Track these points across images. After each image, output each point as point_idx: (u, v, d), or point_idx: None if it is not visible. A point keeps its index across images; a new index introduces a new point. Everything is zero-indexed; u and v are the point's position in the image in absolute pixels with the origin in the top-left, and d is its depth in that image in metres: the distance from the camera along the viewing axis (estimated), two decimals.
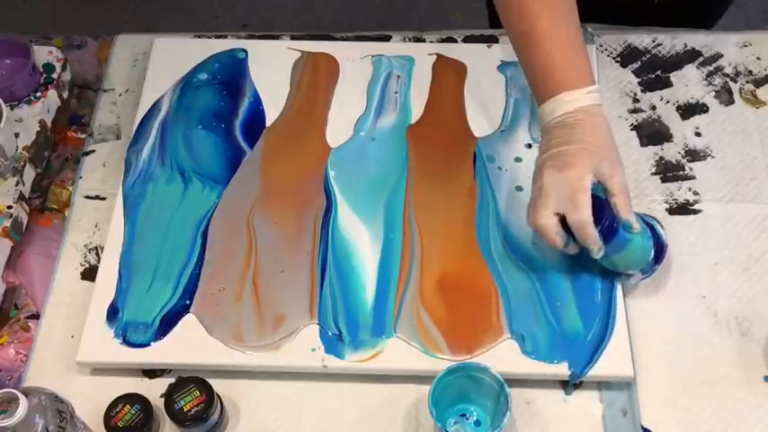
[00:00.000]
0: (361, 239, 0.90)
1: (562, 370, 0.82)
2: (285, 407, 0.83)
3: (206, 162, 0.97)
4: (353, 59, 1.06)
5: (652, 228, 0.85)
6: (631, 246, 0.82)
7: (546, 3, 0.84)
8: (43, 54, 1.03)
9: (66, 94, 1.04)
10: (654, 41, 1.08)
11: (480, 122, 1.00)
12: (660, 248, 0.85)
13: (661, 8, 1.11)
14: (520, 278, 0.87)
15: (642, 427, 0.81)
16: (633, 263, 0.84)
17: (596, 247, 0.81)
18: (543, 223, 0.81)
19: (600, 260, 0.83)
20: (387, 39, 1.10)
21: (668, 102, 1.03)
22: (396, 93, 1.03)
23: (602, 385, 0.83)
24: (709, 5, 1.18)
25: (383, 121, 1.00)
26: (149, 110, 1.01)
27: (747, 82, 1.04)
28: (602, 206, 0.81)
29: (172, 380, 0.80)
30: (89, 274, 0.91)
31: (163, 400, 0.80)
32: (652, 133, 1.00)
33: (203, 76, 1.05)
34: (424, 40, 1.10)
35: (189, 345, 0.84)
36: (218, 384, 0.80)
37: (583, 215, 0.79)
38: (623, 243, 0.81)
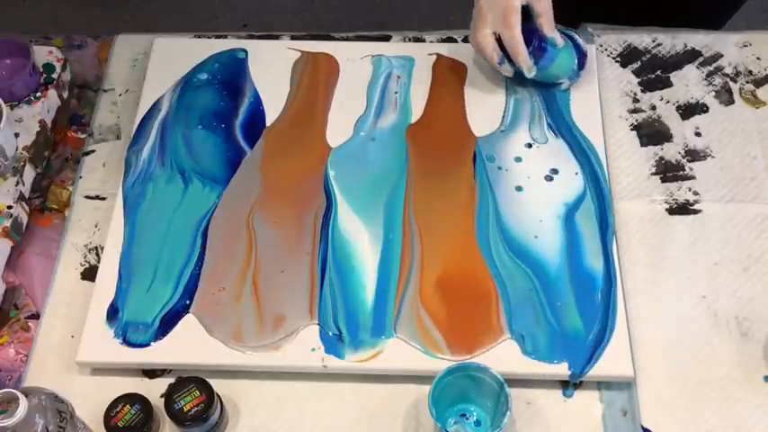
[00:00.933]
0: (361, 239, 0.90)
1: (562, 370, 0.82)
2: (285, 407, 0.83)
3: (206, 162, 0.97)
4: (353, 59, 1.06)
5: (572, 39, 0.99)
6: (558, 59, 0.97)
7: None
8: (43, 54, 1.03)
9: (66, 94, 1.04)
10: (654, 41, 1.08)
11: (480, 122, 1.00)
12: (582, 55, 0.99)
13: (668, 8, 1.11)
14: (520, 278, 0.87)
15: (642, 427, 0.81)
16: (562, 73, 0.99)
17: (526, 66, 0.96)
18: (481, 41, 0.96)
19: (533, 76, 0.97)
20: (387, 39, 1.10)
21: (668, 102, 1.03)
22: (396, 93, 1.03)
23: (602, 385, 0.83)
24: (719, 7, 1.18)
25: (383, 121, 1.00)
26: (149, 110, 1.01)
27: (747, 82, 1.04)
28: (530, 31, 0.95)
29: (172, 380, 0.80)
30: (89, 274, 0.91)
31: (163, 400, 0.80)
32: (652, 133, 1.00)
33: (203, 76, 1.05)
34: (424, 40, 1.10)
35: (189, 345, 0.84)
36: (218, 384, 0.80)
37: (514, 33, 0.93)
38: (552, 58, 0.97)
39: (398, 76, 1.04)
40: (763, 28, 1.10)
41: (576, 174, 0.95)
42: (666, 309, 0.88)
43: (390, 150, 0.98)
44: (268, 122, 1.00)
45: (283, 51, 1.07)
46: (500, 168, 0.96)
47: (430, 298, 0.86)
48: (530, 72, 0.96)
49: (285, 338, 0.84)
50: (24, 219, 0.93)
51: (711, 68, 1.05)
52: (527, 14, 0.95)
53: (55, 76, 1.02)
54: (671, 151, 0.99)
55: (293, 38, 1.10)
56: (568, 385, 0.83)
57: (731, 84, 1.04)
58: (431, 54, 1.06)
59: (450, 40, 1.10)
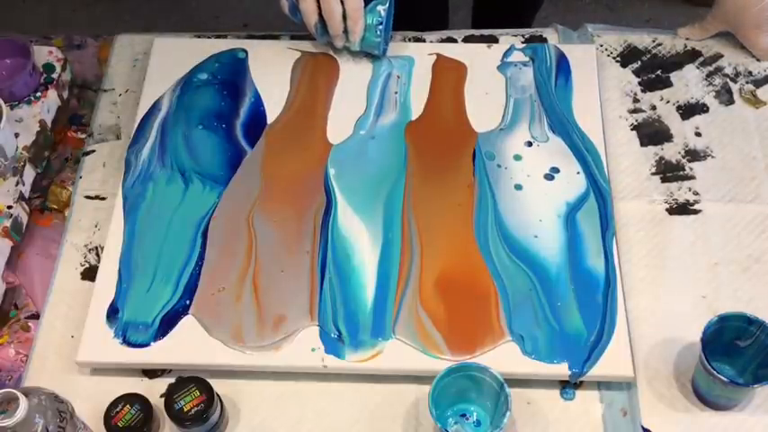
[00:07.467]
0: (361, 239, 0.90)
1: (562, 370, 0.82)
2: (285, 407, 0.83)
3: (206, 162, 0.97)
4: (353, 59, 1.06)
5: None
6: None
7: None
8: (43, 54, 1.03)
9: (66, 94, 1.04)
10: (654, 41, 1.08)
11: (480, 122, 1.00)
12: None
13: None
14: (519, 278, 0.87)
15: (642, 427, 0.81)
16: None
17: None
18: (304, 8, 1.00)
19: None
20: None
21: (668, 102, 1.03)
22: (396, 93, 1.03)
23: (602, 385, 0.83)
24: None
25: (383, 121, 1.00)
26: (149, 110, 1.01)
27: (747, 82, 1.04)
28: None
29: (172, 380, 0.80)
30: (89, 274, 0.91)
31: (163, 400, 0.80)
32: (652, 133, 1.00)
33: (203, 76, 1.04)
34: (424, 40, 1.10)
35: (189, 345, 0.84)
36: (218, 384, 0.80)
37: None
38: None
39: (398, 76, 1.04)
40: None
41: (578, 173, 0.95)
42: (666, 309, 0.87)
43: (390, 149, 0.98)
44: (268, 122, 1.00)
45: (283, 51, 1.07)
46: (499, 166, 0.96)
47: (429, 298, 0.86)
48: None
49: (285, 339, 0.84)
50: (24, 219, 0.93)
51: (711, 68, 1.05)
52: None
53: (55, 76, 1.02)
54: (671, 151, 0.99)
55: (293, 38, 1.10)
56: (568, 385, 0.83)
57: (731, 84, 1.04)
58: (431, 54, 1.06)
59: (451, 40, 1.10)
